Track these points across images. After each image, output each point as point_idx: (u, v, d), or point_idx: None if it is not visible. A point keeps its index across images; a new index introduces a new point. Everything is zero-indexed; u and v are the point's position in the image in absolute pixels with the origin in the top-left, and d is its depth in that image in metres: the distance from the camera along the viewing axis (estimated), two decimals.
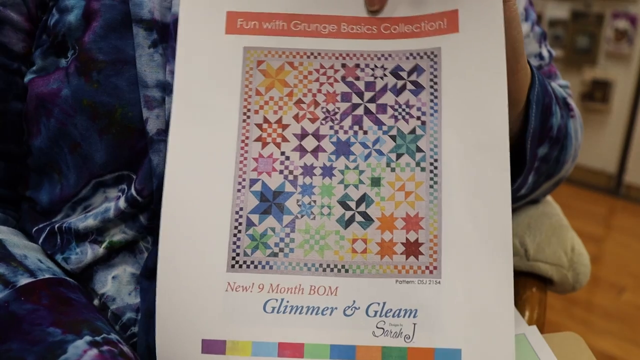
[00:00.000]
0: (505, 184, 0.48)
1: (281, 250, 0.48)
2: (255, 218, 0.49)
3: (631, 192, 2.58)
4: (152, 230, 0.55)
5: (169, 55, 0.52)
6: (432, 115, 0.50)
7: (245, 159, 0.50)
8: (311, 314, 0.47)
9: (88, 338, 0.48)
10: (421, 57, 0.52)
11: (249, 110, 0.51)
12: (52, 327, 0.48)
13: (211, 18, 0.53)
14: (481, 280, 0.46)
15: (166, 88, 0.53)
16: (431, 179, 0.49)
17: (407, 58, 0.52)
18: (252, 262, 0.48)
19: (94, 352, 0.47)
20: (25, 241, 0.57)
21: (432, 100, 0.51)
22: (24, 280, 0.51)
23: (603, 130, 2.56)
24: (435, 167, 0.49)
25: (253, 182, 0.50)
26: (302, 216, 0.49)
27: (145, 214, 0.55)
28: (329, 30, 0.53)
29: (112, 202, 0.55)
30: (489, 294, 0.46)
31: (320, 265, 0.48)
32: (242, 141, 0.51)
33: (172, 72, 0.52)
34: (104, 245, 0.56)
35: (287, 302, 0.47)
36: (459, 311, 0.46)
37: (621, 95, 2.51)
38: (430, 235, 0.48)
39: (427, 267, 0.47)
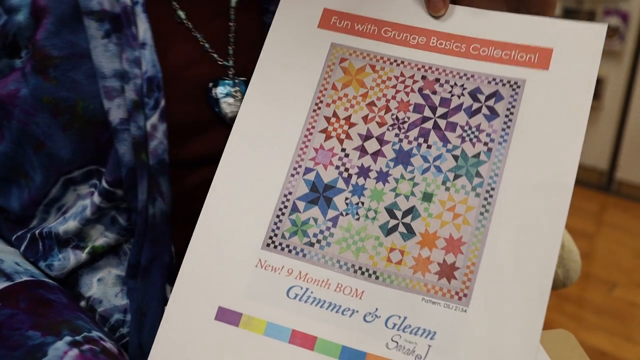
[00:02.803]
0: (557, 229, 0.46)
1: (318, 241, 0.49)
2: (301, 205, 0.50)
3: (623, 188, 2.60)
4: (132, 232, 0.55)
5: (124, 43, 0.53)
6: (500, 144, 0.50)
7: (307, 147, 0.52)
8: (331, 310, 0.47)
9: (68, 338, 0.48)
10: (503, 85, 0.52)
11: (321, 102, 0.53)
12: (32, 331, 0.48)
13: (307, 11, 0.55)
14: (509, 319, 0.45)
15: (124, 76, 0.53)
16: (483, 206, 0.48)
17: (489, 82, 0.52)
18: (288, 246, 0.49)
19: (74, 352, 0.47)
20: (1, 245, 0.57)
21: (503, 130, 0.50)
22: (1, 284, 0.51)
23: (594, 127, 2.58)
24: (491, 196, 0.49)
25: (308, 170, 0.51)
26: (346, 214, 0.49)
27: (123, 214, 0.55)
28: (418, 41, 0.54)
29: (86, 199, 0.55)
30: (514, 335, 0.45)
31: (353, 266, 0.48)
32: (308, 129, 0.52)
33: (129, 60, 0.52)
34: (86, 250, 0.55)
35: (312, 292, 0.48)
36: (477, 344, 0.45)
37: (613, 92, 2.53)
38: (468, 262, 0.47)
39: (457, 293, 0.46)
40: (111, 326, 0.56)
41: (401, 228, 0.48)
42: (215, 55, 0.57)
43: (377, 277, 0.47)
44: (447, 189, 0.49)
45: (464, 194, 0.49)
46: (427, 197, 0.49)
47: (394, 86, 0.53)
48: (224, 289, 0.48)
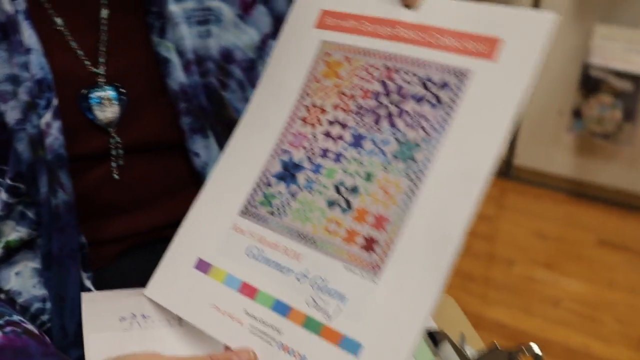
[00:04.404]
0: (464, 219, 0.48)
1: (278, 211, 0.56)
2: (273, 181, 0.57)
3: (520, 173, 2.72)
4: (41, 225, 0.59)
5: (13, 49, 0.56)
6: (437, 131, 0.52)
7: (288, 132, 0.59)
8: (275, 268, 0.54)
9: None
10: (451, 74, 0.53)
11: (305, 93, 0.59)
12: None
13: (308, 13, 0.61)
14: (409, 294, 0.48)
15: (15, 80, 0.56)
16: (410, 189, 0.51)
17: (440, 71, 0.53)
18: (256, 214, 0.57)
19: None
20: None
21: (443, 118, 0.52)
22: None
23: None
24: (419, 179, 0.51)
25: (284, 152, 0.58)
26: (304, 189, 0.56)
27: (31, 209, 0.59)
28: (386, 32, 0.57)
29: None
30: (409, 308, 0.48)
31: (298, 232, 0.54)
32: (291, 117, 0.59)
33: (19, 65, 0.56)
34: (0, 246, 0.59)
35: (263, 252, 0.55)
36: (378, 313, 0.49)
37: None
38: (387, 239, 0.51)
39: (372, 266, 0.50)
40: (32, 315, 0.60)
41: (342, 203, 0.53)
42: (87, 63, 0.61)
43: (314, 243, 0.53)
44: (386, 170, 0.53)
45: (398, 175, 0.52)
46: (368, 176, 0.53)
47: (361, 75, 0.57)
48: (205, 244, 0.58)
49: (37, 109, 0.57)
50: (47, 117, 0.57)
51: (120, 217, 0.64)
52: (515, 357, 0.58)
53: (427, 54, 0.54)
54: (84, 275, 0.61)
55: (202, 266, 0.57)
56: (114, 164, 0.62)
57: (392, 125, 0.54)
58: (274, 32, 0.70)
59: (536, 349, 0.58)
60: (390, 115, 0.55)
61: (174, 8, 0.63)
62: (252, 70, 0.69)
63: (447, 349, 0.61)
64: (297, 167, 0.57)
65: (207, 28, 0.64)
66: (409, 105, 0.54)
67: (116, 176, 0.63)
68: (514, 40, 0.51)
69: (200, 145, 0.65)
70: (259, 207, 0.57)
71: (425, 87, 0.54)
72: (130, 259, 0.66)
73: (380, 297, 0.49)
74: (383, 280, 0.50)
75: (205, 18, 0.64)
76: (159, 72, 0.63)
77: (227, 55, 0.66)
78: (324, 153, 0.56)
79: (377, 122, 0.55)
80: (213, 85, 0.65)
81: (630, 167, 2.52)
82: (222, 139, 0.66)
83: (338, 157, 0.55)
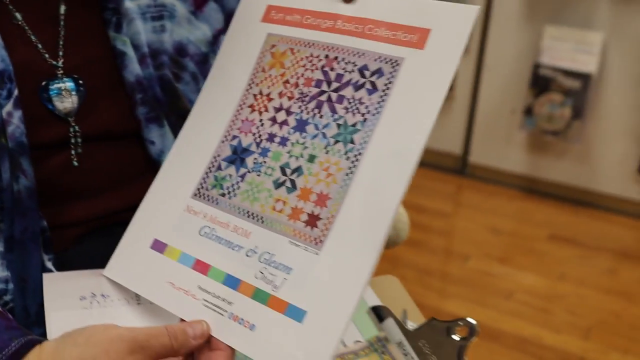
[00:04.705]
0: (397, 195, 0.52)
1: (228, 192, 0.59)
2: (223, 164, 0.60)
3: (475, 171, 2.77)
4: (4, 210, 0.61)
5: None
6: (373, 115, 0.55)
7: (237, 119, 0.62)
8: (226, 246, 0.57)
9: None
10: (386, 62, 0.56)
11: (253, 82, 0.62)
12: None
13: (255, 8, 0.64)
14: (348, 265, 0.52)
15: None
16: (349, 168, 0.55)
17: (375, 60, 0.57)
18: (208, 196, 0.60)
19: None
20: None
21: (379, 103, 0.55)
22: None
23: (449, 116, 2.73)
24: (357, 159, 0.55)
25: (234, 137, 0.61)
26: (252, 172, 0.59)
27: None
28: (327, 25, 0.61)
29: None
30: (349, 277, 0.51)
31: (247, 212, 0.58)
32: (239, 105, 0.62)
33: None
34: None
35: (215, 231, 0.58)
36: (320, 283, 0.52)
37: (463, 84, 2.68)
38: (328, 214, 0.54)
39: (315, 239, 0.54)
40: None
41: (287, 183, 0.57)
42: (47, 56, 0.63)
43: (262, 222, 0.57)
44: (327, 152, 0.56)
45: (338, 157, 0.56)
46: (311, 158, 0.57)
47: (304, 65, 0.60)
48: (160, 226, 0.61)
49: None
50: (9, 107, 0.59)
51: (80, 202, 0.66)
52: (452, 328, 0.62)
53: (364, 44, 0.58)
54: (46, 258, 0.64)
55: (158, 246, 0.60)
56: (73, 152, 0.65)
57: (333, 110, 0.58)
58: (226, 27, 0.73)
59: (471, 320, 0.62)
60: (330, 101, 0.58)
61: (129, 4, 0.65)
62: (204, 63, 0.72)
63: (390, 323, 0.64)
64: (246, 151, 0.60)
65: (161, 23, 0.67)
66: (348, 92, 0.58)
67: (76, 163, 0.65)
68: (441, 30, 0.55)
69: (155, 134, 0.68)
70: (211, 189, 0.60)
71: (362, 74, 0.57)
72: (90, 242, 0.68)
73: (323, 268, 0.53)
74: (324, 252, 0.53)
75: (159, 14, 0.67)
76: (116, 65, 0.66)
77: (180, 49, 0.69)
78: (271, 137, 0.60)
79: (319, 107, 0.58)
80: (167, 78, 0.68)
81: (579, 163, 2.59)
82: (177, 128, 0.69)
83: (283, 141, 0.59)
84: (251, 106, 0.62)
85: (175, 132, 0.69)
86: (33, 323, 0.62)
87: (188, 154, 0.63)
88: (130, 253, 0.62)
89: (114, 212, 0.68)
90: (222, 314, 0.54)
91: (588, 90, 2.41)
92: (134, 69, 0.65)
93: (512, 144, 2.69)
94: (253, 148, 0.60)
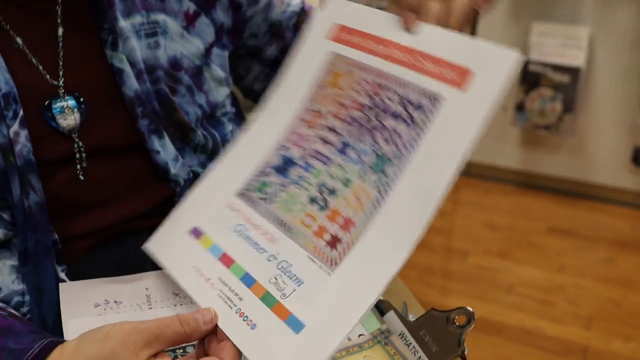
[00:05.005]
0: (416, 234, 0.53)
1: (269, 198, 0.62)
2: (270, 171, 0.64)
3: (472, 169, 2.78)
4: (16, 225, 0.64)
5: None
6: (408, 150, 0.56)
7: (291, 131, 0.65)
8: (252, 246, 0.60)
9: None
10: (426, 97, 0.56)
11: (311, 98, 0.65)
12: None
13: (324, 24, 0.66)
14: (354, 293, 0.53)
15: None
16: (377, 199, 0.56)
17: (417, 93, 0.57)
18: (249, 197, 0.63)
19: None
20: None
21: (414, 138, 0.56)
22: None
23: None
24: (386, 192, 0.56)
25: (285, 148, 0.64)
26: (293, 183, 0.61)
27: (6, 211, 0.63)
28: (382, 51, 0.61)
29: None
30: (352, 303, 0.53)
31: (279, 220, 0.60)
32: (296, 118, 0.65)
33: None
34: None
35: (247, 230, 0.61)
36: (325, 302, 0.54)
37: None
38: (349, 240, 0.56)
39: (331, 260, 0.56)
40: (12, 308, 0.65)
41: (321, 201, 0.59)
42: (48, 77, 0.66)
43: (289, 231, 0.59)
44: (362, 179, 0.58)
45: (370, 186, 0.57)
46: (347, 182, 0.59)
47: (356, 89, 0.62)
48: (201, 215, 0.64)
49: (5, 120, 0.61)
50: (15, 127, 0.62)
51: (89, 214, 0.69)
52: (451, 317, 0.65)
53: (410, 76, 0.58)
54: (59, 269, 0.66)
55: (196, 233, 0.64)
56: (78, 167, 0.67)
57: (373, 138, 0.59)
58: (217, 40, 0.76)
59: (469, 308, 0.65)
60: (373, 128, 0.59)
61: (123, 24, 0.68)
62: (199, 75, 0.74)
63: (392, 316, 0.67)
64: (293, 163, 0.63)
65: (155, 40, 0.70)
66: (389, 122, 0.58)
67: (81, 177, 0.68)
68: (482, 73, 0.54)
69: (157, 145, 0.70)
70: (254, 192, 0.63)
71: (404, 106, 0.58)
72: (101, 252, 0.70)
73: (331, 289, 0.55)
74: (336, 274, 0.55)
75: (152, 30, 0.70)
76: (115, 82, 0.68)
77: (175, 64, 0.72)
78: (316, 154, 0.62)
79: (361, 133, 0.60)
80: (164, 91, 0.71)
81: (573, 156, 2.61)
82: (175, 138, 0.72)
83: (326, 160, 0.61)
84: (306, 121, 0.64)
85: (174, 142, 0.72)
86: (50, 332, 0.65)
87: (243, 155, 0.67)
88: (170, 233, 0.66)
89: (123, 221, 0.71)
90: (231, 307, 0.57)
91: (578, 84, 2.44)
92: (132, 84, 0.68)
93: (506, 141, 2.71)
94: (299, 161, 0.63)
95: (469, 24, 0.61)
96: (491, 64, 0.54)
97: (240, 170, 0.65)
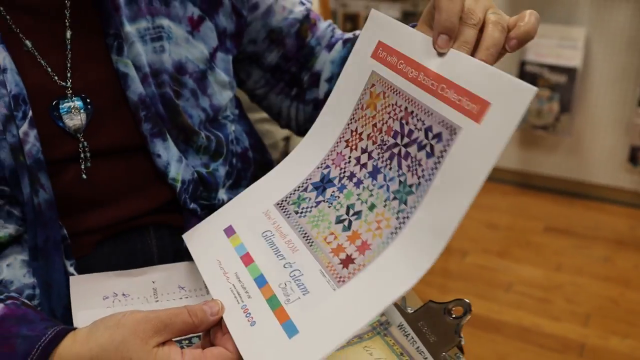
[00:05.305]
0: (423, 269, 0.53)
1: (301, 212, 0.64)
2: (309, 187, 0.66)
3: None
4: (27, 222, 0.66)
5: None
6: (427, 180, 0.56)
7: (334, 150, 0.66)
8: (274, 252, 0.62)
9: None
10: (446, 128, 0.56)
11: (353, 118, 0.66)
12: None
13: (369, 42, 0.66)
14: (353, 312, 0.55)
15: None
16: (396, 228, 0.57)
17: (439, 123, 0.57)
18: (285, 209, 0.66)
19: (0, 306, 0.59)
20: None
21: (432, 169, 0.56)
22: None
23: None
24: (403, 223, 0.57)
25: (326, 167, 0.66)
26: (325, 202, 0.64)
27: (16, 207, 0.66)
28: (413, 75, 0.60)
29: None
30: (347, 322, 0.54)
31: (305, 232, 0.63)
32: (340, 137, 0.67)
33: None
34: None
35: (273, 237, 0.64)
36: (323, 314, 0.55)
37: None
38: (362, 262, 0.57)
39: (340, 278, 0.58)
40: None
41: (346, 222, 0.61)
42: (56, 78, 0.68)
43: (310, 244, 0.61)
44: (385, 205, 0.59)
45: (391, 214, 0.58)
46: (372, 207, 0.60)
47: (389, 112, 0.62)
48: (239, 216, 0.67)
49: (15, 120, 0.63)
50: (25, 127, 0.64)
51: (95, 211, 0.71)
52: (448, 309, 0.67)
53: (434, 104, 0.58)
54: (68, 263, 0.68)
55: (229, 231, 0.67)
56: (82, 166, 0.69)
57: (399, 165, 0.60)
58: (220, 45, 0.78)
59: (466, 300, 0.67)
60: (400, 155, 0.60)
61: (129, 28, 0.70)
62: (203, 79, 0.76)
63: (390, 308, 0.69)
64: (330, 182, 0.65)
65: (160, 44, 0.72)
66: (413, 150, 0.59)
67: (84, 176, 0.69)
68: (499, 105, 0.53)
69: (160, 148, 0.72)
70: (291, 204, 0.66)
71: (426, 135, 0.58)
72: (108, 247, 0.72)
73: (332, 304, 0.56)
74: (341, 291, 0.57)
75: (158, 35, 0.72)
76: (120, 86, 0.70)
77: (180, 68, 0.74)
78: (351, 176, 0.64)
79: (391, 159, 0.61)
80: (168, 95, 0.72)
81: (571, 156, 2.62)
82: (178, 141, 0.74)
83: (358, 183, 0.63)
84: (347, 141, 0.66)
85: (177, 144, 0.74)
86: None
87: (290, 168, 0.69)
88: (207, 228, 0.69)
89: (128, 218, 0.73)
90: (238, 302, 0.59)
91: (574, 85, 2.46)
92: (136, 88, 0.69)
93: None
94: (335, 181, 0.65)
95: (496, 60, 0.60)
96: (508, 96, 0.53)
97: (284, 182, 0.68)
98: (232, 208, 0.70)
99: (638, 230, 2.42)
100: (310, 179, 0.67)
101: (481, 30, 0.60)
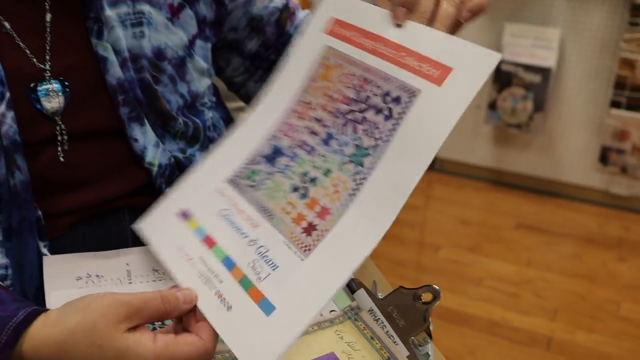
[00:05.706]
0: (385, 225, 0.54)
1: (255, 186, 0.64)
2: (260, 160, 0.65)
3: (445, 165, 2.84)
4: (2, 202, 0.66)
5: None
6: (384, 142, 0.57)
7: (283, 121, 0.66)
8: (235, 230, 0.62)
9: None
10: (405, 91, 0.57)
11: (303, 89, 0.66)
12: None
13: (322, 18, 0.67)
14: (322, 279, 0.55)
15: None
16: (353, 189, 0.58)
17: (397, 87, 0.58)
18: (238, 184, 0.65)
19: None
20: None
21: (390, 130, 0.57)
22: None
23: None
24: (361, 184, 0.57)
25: (276, 138, 0.66)
26: (280, 172, 0.63)
27: None
28: (370, 46, 0.62)
29: None
30: (320, 289, 0.54)
31: (263, 206, 0.62)
32: (288, 108, 0.66)
33: None
34: None
35: (232, 215, 0.63)
36: (295, 287, 0.55)
37: None
38: (323, 228, 0.57)
39: (305, 247, 0.57)
40: None
41: (302, 190, 0.61)
42: (35, 61, 0.67)
43: (271, 218, 0.61)
44: (340, 169, 0.59)
45: (348, 176, 0.59)
46: (327, 172, 0.60)
47: (344, 82, 0.63)
48: (192, 198, 0.66)
49: None
50: (2, 108, 0.63)
51: (70, 194, 0.71)
52: (418, 294, 0.68)
53: (393, 71, 0.60)
54: (41, 244, 0.68)
55: (184, 215, 0.66)
56: (59, 149, 0.69)
57: (355, 130, 0.61)
58: (200, 32, 0.78)
59: (435, 287, 0.69)
60: (355, 121, 0.61)
61: (109, 13, 0.70)
62: (181, 66, 0.76)
63: (362, 293, 0.70)
64: (281, 152, 0.65)
65: (140, 29, 0.72)
66: (370, 115, 0.60)
67: (62, 159, 0.69)
68: (461, 71, 0.55)
69: (137, 132, 0.72)
70: (243, 179, 0.65)
71: (384, 100, 0.59)
72: (82, 229, 0.72)
73: (302, 274, 0.56)
74: (308, 260, 0.57)
75: (138, 20, 0.72)
76: (99, 69, 0.70)
77: (159, 54, 0.74)
78: (302, 145, 0.64)
79: (345, 125, 0.62)
80: (147, 80, 0.72)
81: (543, 155, 2.67)
82: (156, 126, 0.74)
83: (311, 150, 0.63)
84: (297, 112, 0.66)
85: (155, 129, 0.74)
86: None
87: (237, 144, 0.68)
88: (160, 214, 0.68)
89: (103, 201, 0.73)
90: (210, 289, 0.59)
91: (548, 84, 2.49)
92: (115, 72, 0.70)
93: (479, 138, 2.75)
94: (287, 151, 0.64)
95: (453, 32, 0.62)
96: (471, 63, 0.55)
97: (233, 158, 0.67)
98: (183, 190, 0.68)
99: (606, 229, 2.47)
100: (259, 151, 0.66)
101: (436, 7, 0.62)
